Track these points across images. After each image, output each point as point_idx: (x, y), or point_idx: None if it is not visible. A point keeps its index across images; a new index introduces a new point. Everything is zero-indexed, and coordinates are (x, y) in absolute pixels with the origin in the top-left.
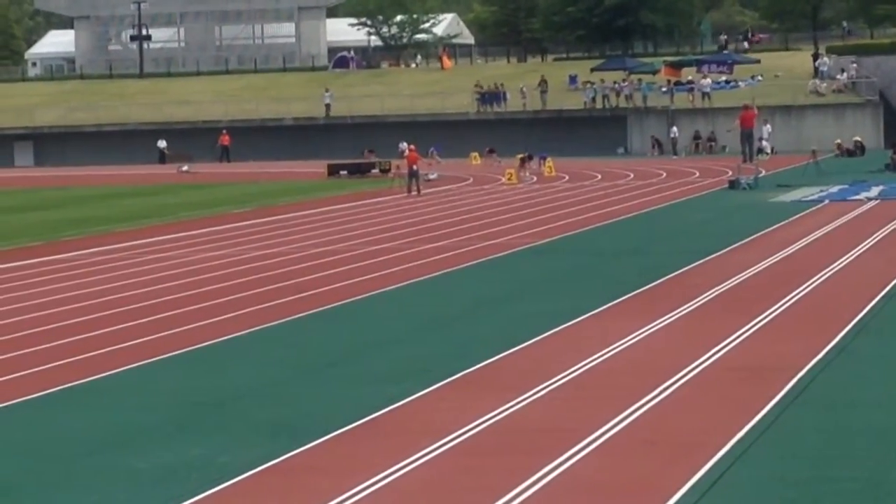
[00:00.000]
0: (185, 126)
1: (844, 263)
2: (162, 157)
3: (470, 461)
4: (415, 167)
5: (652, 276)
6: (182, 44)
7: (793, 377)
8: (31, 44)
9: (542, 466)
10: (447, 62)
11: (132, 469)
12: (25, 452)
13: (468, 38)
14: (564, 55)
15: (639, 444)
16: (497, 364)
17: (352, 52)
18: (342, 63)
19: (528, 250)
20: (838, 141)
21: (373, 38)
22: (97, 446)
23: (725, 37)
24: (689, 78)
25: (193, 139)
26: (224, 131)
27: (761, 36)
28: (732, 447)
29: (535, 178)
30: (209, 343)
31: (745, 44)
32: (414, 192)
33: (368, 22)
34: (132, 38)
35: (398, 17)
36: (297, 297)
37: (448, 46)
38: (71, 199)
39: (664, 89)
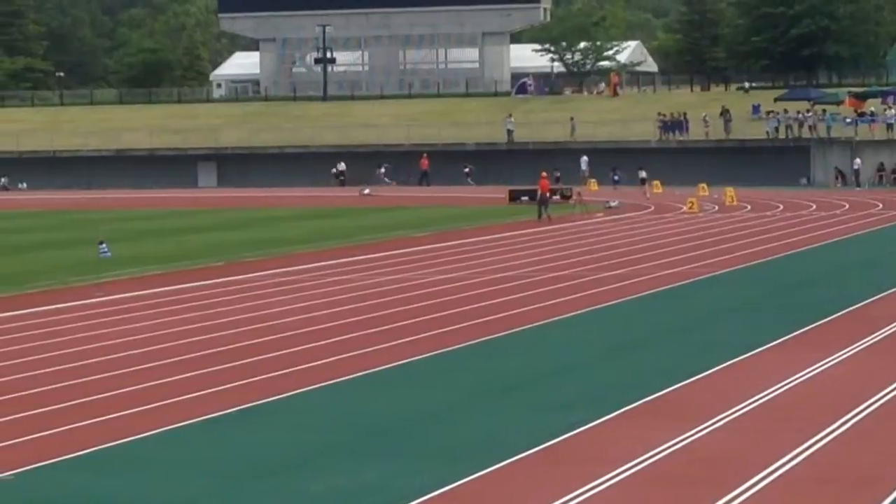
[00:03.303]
0: (367, 149)
1: None
2: (341, 180)
3: (647, 491)
4: (546, 194)
5: (833, 307)
6: (366, 67)
7: None
8: (216, 65)
9: (719, 498)
10: (616, 90)
11: (307, 491)
12: (203, 472)
13: (652, 65)
14: (748, 84)
15: (816, 477)
16: (675, 393)
17: (530, 79)
18: (524, 89)
19: (709, 280)
20: None
21: (556, 64)
22: (273, 467)
23: None
24: (873, 109)
25: (375, 162)
26: (424, 154)
27: None
28: None
29: (716, 207)
30: (386, 367)
31: None
32: (544, 218)
33: (552, 48)
34: (316, 61)
35: (582, 44)
36: (474, 322)
37: (621, 74)
38: (252, 220)
39: (848, 120)
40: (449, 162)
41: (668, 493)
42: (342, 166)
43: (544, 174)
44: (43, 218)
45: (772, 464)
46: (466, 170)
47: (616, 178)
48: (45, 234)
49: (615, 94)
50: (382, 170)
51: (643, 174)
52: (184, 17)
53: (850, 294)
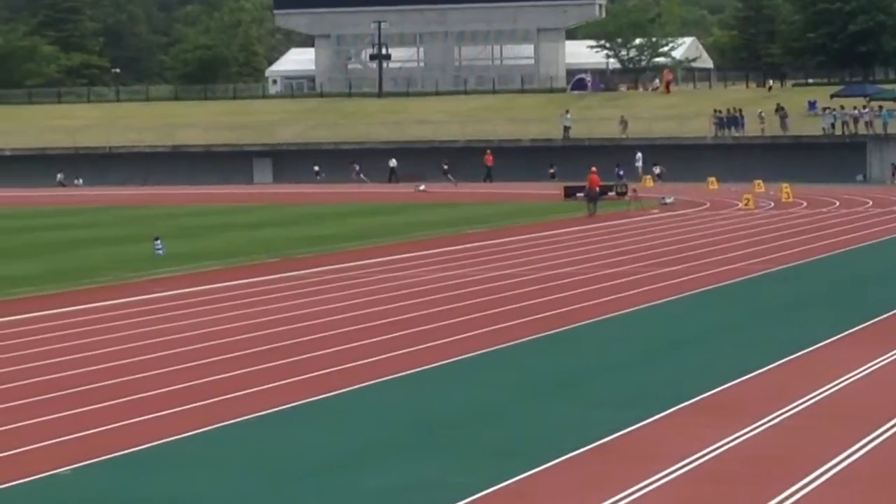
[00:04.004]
0: (422, 145)
1: None
2: (392, 176)
3: (700, 489)
4: (596, 189)
5: (889, 305)
6: (421, 63)
7: None
8: (272, 61)
9: (772, 496)
10: (669, 86)
11: (364, 488)
12: (259, 468)
13: (707, 62)
14: (804, 80)
15: (871, 476)
16: (729, 391)
17: (589, 75)
18: (580, 85)
19: (764, 276)
20: None
21: (611, 60)
22: (330, 464)
23: None
24: None
25: (429, 158)
26: (488, 151)
27: None
28: None
29: (772, 204)
30: (439, 363)
31: None
32: (592, 214)
33: (607, 44)
34: (372, 58)
35: (637, 41)
36: (528, 319)
37: (674, 70)
38: (308, 216)
39: None
40: (505, 158)
41: (721, 492)
42: (393, 163)
43: (593, 170)
44: (98, 214)
45: (826, 462)
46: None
47: (620, 173)
48: (101, 230)
49: (668, 90)
50: (357, 167)
51: (658, 170)
52: (239, 14)
53: None
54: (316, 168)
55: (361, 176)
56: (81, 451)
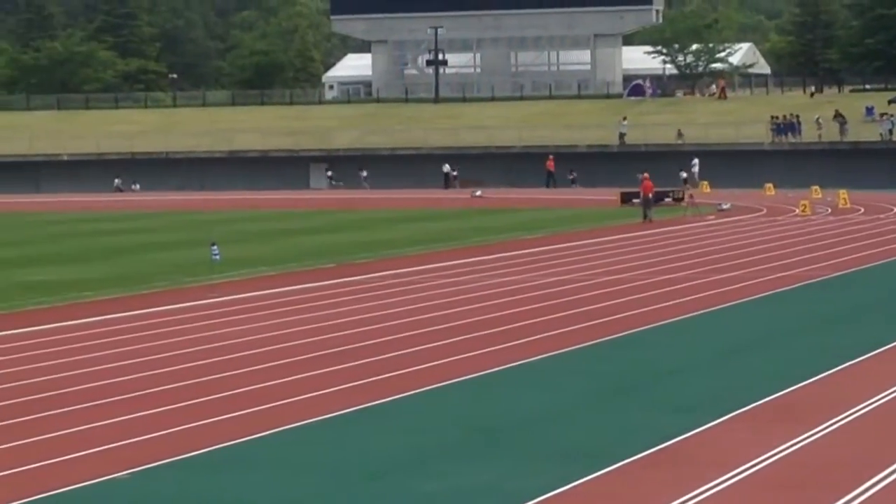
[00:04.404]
0: (478, 151)
1: None
2: (447, 181)
3: (762, 494)
4: (650, 195)
5: None
6: (477, 69)
7: None
8: (328, 67)
9: (836, 501)
10: (724, 92)
11: (421, 492)
12: (317, 472)
13: (764, 67)
14: (861, 86)
15: None
16: (790, 396)
17: (647, 81)
18: (637, 91)
19: (823, 283)
20: None
21: (668, 66)
22: (386, 468)
23: None
24: None
25: (486, 164)
26: (550, 156)
27: None
28: None
29: (829, 210)
30: (499, 368)
31: None
32: (648, 220)
33: (664, 50)
34: (428, 63)
35: (694, 46)
36: (587, 324)
37: (729, 77)
38: (364, 221)
39: None
40: (561, 164)
41: (783, 497)
42: (447, 168)
43: (646, 176)
44: (156, 219)
45: (888, 467)
46: (571, 176)
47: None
48: (158, 235)
49: (723, 97)
50: (364, 174)
51: (685, 174)
52: (296, 19)
53: None
54: (329, 173)
55: (365, 183)
56: (139, 455)
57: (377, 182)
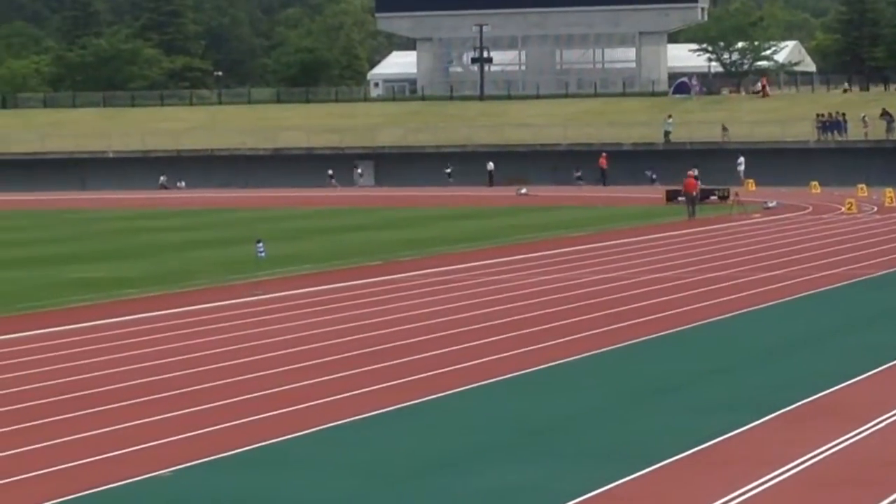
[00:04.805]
0: (522, 149)
1: None
2: (491, 179)
3: (805, 494)
4: (694, 193)
5: None
6: (522, 67)
7: None
8: (373, 65)
9: (878, 501)
10: (768, 90)
11: (461, 492)
12: (357, 472)
13: (810, 65)
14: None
15: None
16: (834, 395)
17: (694, 79)
18: (682, 89)
19: (868, 281)
20: None
21: (713, 64)
22: (427, 468)
23: None
24: None
25: (530, 162)
26: (603, 154)
27: None
28: None
29: (875, 209)
30: (541, 367)
31: None
32: (693, 218)
33: (710, 48)
34: (473, 61)
35: (739, 44)
36: (630, 323)
37: (773, 75)
38: (409, 219)
39: None
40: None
41: (826, 497)
42: (491, 166)
43: (690, 174)
44: (201, 216)
45: None
46: (578, 174)
47: (653, 177)
48: (203, 232)
49: (765, 94)
50: (359, 170)
51: (695, 171)
52: (341, 17)
53: None
54: (329, 172)
55: (361, 181)
56: (181, 452)
57: (421, 180)
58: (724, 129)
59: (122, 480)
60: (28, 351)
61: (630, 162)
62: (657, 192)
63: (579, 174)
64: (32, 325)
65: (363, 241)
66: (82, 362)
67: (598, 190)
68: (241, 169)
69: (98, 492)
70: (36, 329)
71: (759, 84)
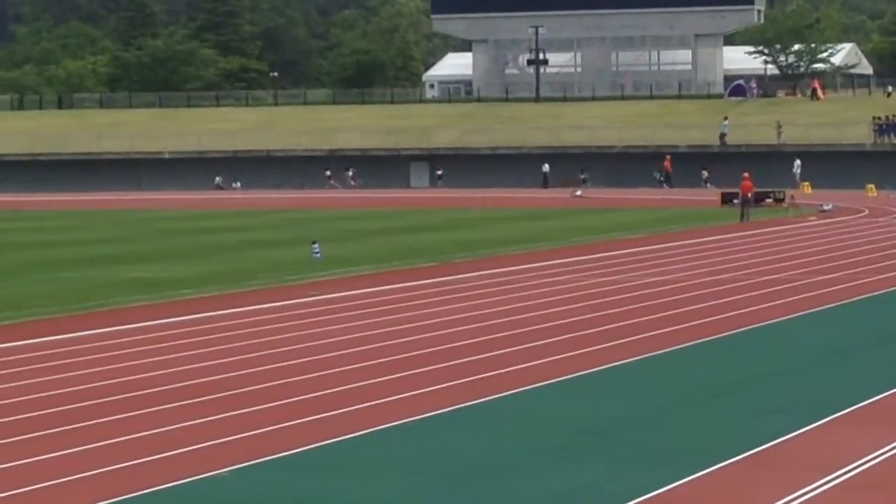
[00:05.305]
0: (577, 151)
1: None
2: (546, 181)
3: (857, 498)
4: (749, 195)
5: None
6: (578, 69)
7: None
8: (428, 66)
9: None
10: (821, 93)
11: (521, 493)
12: (415, 473)
13: (866, 68)
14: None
15: None
16: (888, 400)
17: (753, 81)
18: (738, 91)
19: None
20: None
21: (769, 66)
22: (486, 469)
23: None
24: None
25: (585, 164)
26: (667, 156)
27: None
28: None
29: None
30: (597, 369)
31: None
32: (746, 220)
33: (765, 50)
34: (529, 63)
35: (796, 47)
36: (685, 325)
37: (828, 77)
38: (464, 220)
39: None
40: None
41: (883, 499)
42: (546, 168)
43: (746, 176)
44: (256, 217)
45: None
46: (583, 176)
47: (583, 177)
48: (259, 233)
49: (820, 97)
50: (350, 172)
51: (706, 174)
52: (397, 19)
53: None
54: (328, 173)
55: (352, 182)
56: (239, 453)
57: (476, 182)
58: (779, 125)
59: (179, 480)
60: (85, 351)
61: (685, 164)
62: (713, 194)
63: (584, 176)
64: (89, 324)
65: (419, 242)
66: (139, 362)
67: (662, 192)
68: (296, 170)
69: (156, 491)
70: (93, 329)
71: (812, 86)
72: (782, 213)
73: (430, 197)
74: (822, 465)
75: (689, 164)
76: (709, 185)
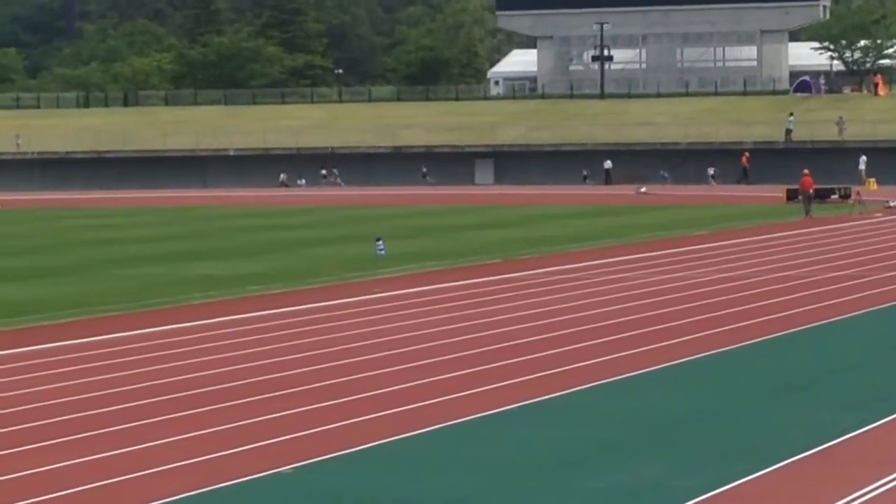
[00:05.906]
0: (642, 147)
1: None
2: (608, 178)
3: None
4: (810, 191)
5: None
6: (643, 65)
7: None
8: (493, 62)
9: None
10: (882, 88)
11: (586, 488)
12: (481, 468)
13: None
14: None
15: None
16: None
17: (821, 77)
18: (803, 87)
19: None
20: None
21: (835, 62)
22: (551, 463)
23: None
24: None
25: (650, 160)
26: (745, 153)
27: None
28: None
29: None
30: (663, 365)
31: None
32: (809, 216)
33: (831, 46)
34: (594, 59)
35: (861, 42)
36: (753, 321)
37: (885, 73)
38: (529, 217)
39: None
40: (728, 161)
41: None
42: (608, 164)
43: (806, 172)
44: (320, 214)
45: None
46: (585, 173)
47: (665, 175)
48: (324, 230)
49: (881, 93)
50: (335, 170)
51: (712, 170)
52: (462, 15)
53: None
54: (323, 171)
55: (338, 180)
56: (302, 449)
57: (540, 178)
58: (841, 120)
59: (244, 477)
60: (151, 347)
61: (752, 161)
62: (778, 191)
63: (587, 173)
64: (156, 321)
65: (482, 239)
66: (204, 359)
67: (736, 189)
68: (360, 167)
69: (221, 487)
70: (159, 325)
71: (874, 81)
72: (847, 209)
73: (495, 194)
74: (891, 462)
75: (755, 160)
76: (715, 181)
